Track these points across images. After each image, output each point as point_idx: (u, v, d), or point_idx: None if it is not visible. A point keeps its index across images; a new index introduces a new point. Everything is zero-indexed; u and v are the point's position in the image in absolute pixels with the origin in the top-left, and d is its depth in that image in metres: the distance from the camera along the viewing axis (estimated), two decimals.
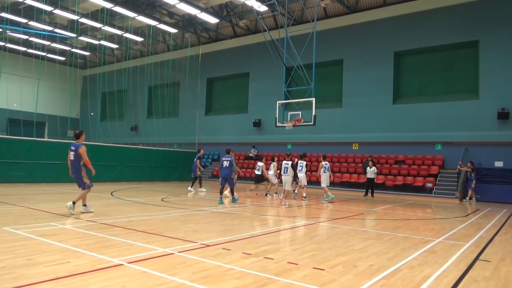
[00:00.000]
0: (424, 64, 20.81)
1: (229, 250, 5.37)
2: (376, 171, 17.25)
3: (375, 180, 17.34)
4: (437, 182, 18.19)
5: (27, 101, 29.76)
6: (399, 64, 21.60)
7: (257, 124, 25.88)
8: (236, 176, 12.40)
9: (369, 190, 17.48)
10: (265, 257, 5.01)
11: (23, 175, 16.56)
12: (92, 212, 8.57)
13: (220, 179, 12.35)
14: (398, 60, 21.54)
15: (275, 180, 15.48)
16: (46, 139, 27.65)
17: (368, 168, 17.35)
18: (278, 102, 17.09)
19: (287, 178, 12.35)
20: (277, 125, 16.85)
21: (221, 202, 11.79)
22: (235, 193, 12.49)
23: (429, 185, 17.97)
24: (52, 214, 8.13)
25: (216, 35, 29.15)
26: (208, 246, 5.59)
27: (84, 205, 8.58)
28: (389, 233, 7.44)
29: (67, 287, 3.62)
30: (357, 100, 22.02)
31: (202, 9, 22.32)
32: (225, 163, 11.94)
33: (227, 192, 14.17)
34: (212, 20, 24.03)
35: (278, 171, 15.46)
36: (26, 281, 3.70)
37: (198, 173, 15.77)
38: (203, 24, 26.53)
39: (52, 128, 34.94)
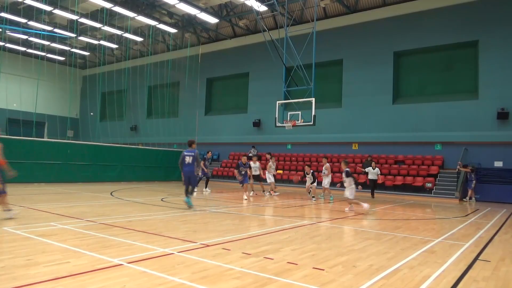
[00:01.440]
0: (424, 64, 20.81)
1: (229, 250, 5.37)
2: (379, 173, 17.01)
3: (378, 181, 17.24)
4: (436, 182, 18.18)
5: (27, 101, 29.75)
6: (398, 64, 21.60)
7: (256, 124, 25.87)
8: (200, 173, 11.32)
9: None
10: (264, 257, 5.01)
11: (22, 175, 16.46)
12: (16, 218, 7.27)
13: (182, 178, 10.34)
14: (397, 60, 21.54)
15: (271, 179, 15.95)
16: (45, 139, 27.61)
17: (371, 169, 17.06)
18: (277, 102, 17.12)
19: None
20: (277, 125, 16.87)
21: (188, 201, 10.05)
22: (194, 194, 11.08)
23: (429, 185, 17.96)
24: (51, 214, 8.13)
25: (216, 35, 29.14)
26: (207, 246, 5.59)
27: (9, 210, 7.37)
28: (389, 233, 7.44)
29: (67, 287, 3.62)
30: (357, 100, 22.02)
31: (202, 9, 22.31)
32: (188, 159, 10.07)
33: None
34: (212, 20, 24.02)
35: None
36: (25, 281, 3.70)
37: (198, 173, 15.78)
38: (203, 24, 26.52)
39: (51, 128, 34.90)
